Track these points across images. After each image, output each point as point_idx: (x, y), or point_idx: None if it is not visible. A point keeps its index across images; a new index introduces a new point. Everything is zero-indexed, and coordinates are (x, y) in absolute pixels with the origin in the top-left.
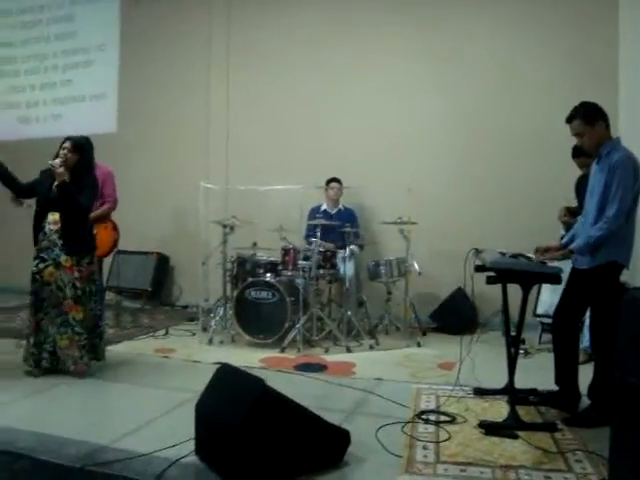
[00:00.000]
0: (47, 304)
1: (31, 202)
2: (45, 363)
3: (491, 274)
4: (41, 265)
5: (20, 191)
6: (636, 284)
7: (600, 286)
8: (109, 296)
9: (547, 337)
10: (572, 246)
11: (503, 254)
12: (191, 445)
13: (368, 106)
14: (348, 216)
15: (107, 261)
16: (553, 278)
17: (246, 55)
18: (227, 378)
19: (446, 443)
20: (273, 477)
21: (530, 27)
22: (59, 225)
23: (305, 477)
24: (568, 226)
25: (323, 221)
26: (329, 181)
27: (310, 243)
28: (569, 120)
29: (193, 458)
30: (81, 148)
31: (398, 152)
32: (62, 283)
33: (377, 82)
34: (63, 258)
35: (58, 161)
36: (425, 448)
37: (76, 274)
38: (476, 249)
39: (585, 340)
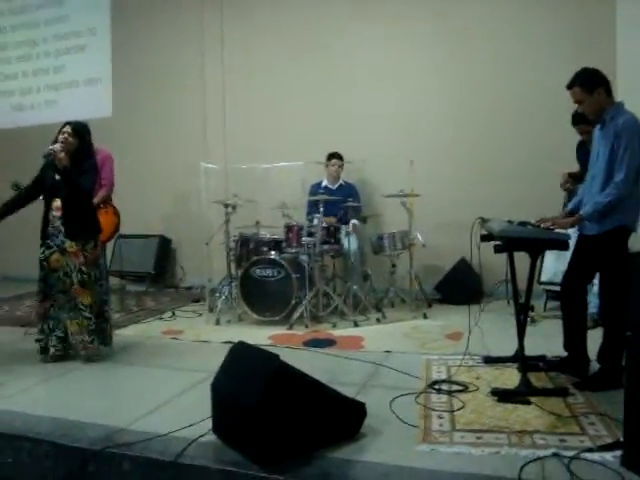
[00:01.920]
0: (55, 290)
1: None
2: (54, 350)
3: (497, 243)
4: (47, 252)
5: (28, 200)
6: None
7: (609, 251)
8: (112, 281)
9: (552, 304)
10: (582, 212)
11: (511, 222)
12: (208, 424)
13: (367, 80)
14: (349, 191)
15: (109, 245)
16: (561, 244)
17: (241, 33)
18: (242, 356)
19: (460, 412)
20: (292, 451)
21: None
22: (61, 211)
23: (323, 450)
24: (570, 193)
25: (325, 196)
26: (330, 157)
27: (311, 220)
28: (569, 87)
29: (211, 437)
30: (80, 133)
31: (398, 125)
32: (69, 269)
33: (376, 57)
34: (68, 244)
35: (58, 146)
36: (440, 417)
37: (82, 259)
38: (482, 218)
39: (592, 306)
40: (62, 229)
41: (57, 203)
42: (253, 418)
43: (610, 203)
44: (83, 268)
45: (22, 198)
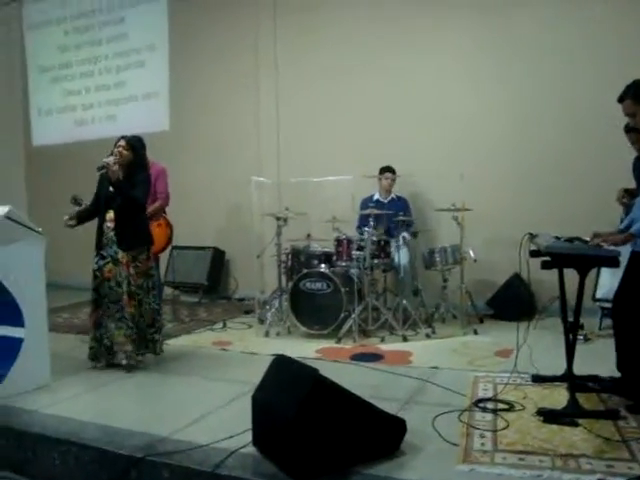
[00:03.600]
0: (107, 300)
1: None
2: (102, 358)
3: (546, 259)
4: (101, 262)
5: (94, 214)
6: None
7: None
8: (167, 291)
9: (607, 322)
10: (632, 230)
11: (558, 238)
12: (249, 436)
13: (418, 94)
14: (401, 205)
15: (164, 257)
16: (610, 261)
17: (294, 47)
18: (282, 369)
19: (504, 431)
20: (329, 467)
21: (586, 6)
22: (114, 222)
23: (361, 466)
24: (627, 207)
25: (375, 210)
26: (382, 171)
27: (362, 233)
28: (620, 100)
29: (251, 449)
30: (135, 146)
31: (449, 138)
32: (120, 278)
33: (426, 70)
34: (120, 254)
35: (112, 159)
36: (482, 436)
37: (132, 270)
38: (530, 234)
39: None
40: (115, 240)
41: (110, 215)
42: (289, 431)
43: None
44: (131, 279)
45: (91, 211)
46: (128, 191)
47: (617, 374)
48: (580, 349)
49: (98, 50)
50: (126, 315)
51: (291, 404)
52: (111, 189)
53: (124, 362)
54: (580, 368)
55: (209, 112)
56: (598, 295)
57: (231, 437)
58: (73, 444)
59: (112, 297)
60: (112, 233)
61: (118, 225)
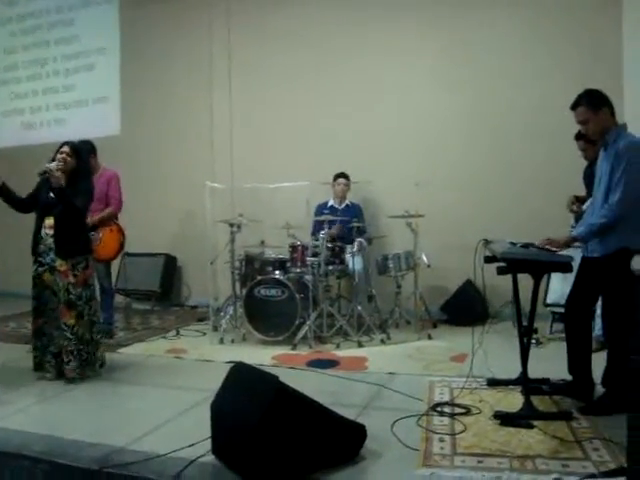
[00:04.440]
0: (48, 307)
1: None
2: (48, 366)
3: (501, 265)
4: (40, 269)
5: (21, 205)
6: None
7: (612, 274)
8: (118, 299)
9: (558, 326)
10: (573, 234)
11: (513, 244)
12: (208, 444)
13: (371, 101)
14: (355, 211)
15: (115, 264)
16: (564, 267)
17: (248, 53)
18: (242, 376)
19: (462, 435)
20: (290, 474)
21: (531, 13)
22: (54, 229)
23: (322, 473)
24: (577, 215)
25: (330, 216)
26: (336, 177)
27: (317, 239)
28: (573, 107)
29: (210, 457)
30: (79, 153)
31: (403, 146)
32: (57, 287)
33: (380, 78)
34: (58, 262)
35: (54, 165)
36: (441, 440)
37: (71, 279)
38: (485, 240)
39: (597, 328)
40: (53, 247)
41: (50, 221)
42: (251, 439)
43: (603, 225)
44: (71, 288)
45: (19, 202)
46: (70, 199)
47: (569, 377)
48: (532, 352)
49: (46, 52)
50: (63, 325)
51: (254, 412)
52: (51, 195)
53: (68, 374)
54: (533, 371)
55: (162, 117)
56: (549, 300)
57: (190, 446)
58: (25, 458)
59: (52, 304)
60: (51, 240)
61: (58, 232)
